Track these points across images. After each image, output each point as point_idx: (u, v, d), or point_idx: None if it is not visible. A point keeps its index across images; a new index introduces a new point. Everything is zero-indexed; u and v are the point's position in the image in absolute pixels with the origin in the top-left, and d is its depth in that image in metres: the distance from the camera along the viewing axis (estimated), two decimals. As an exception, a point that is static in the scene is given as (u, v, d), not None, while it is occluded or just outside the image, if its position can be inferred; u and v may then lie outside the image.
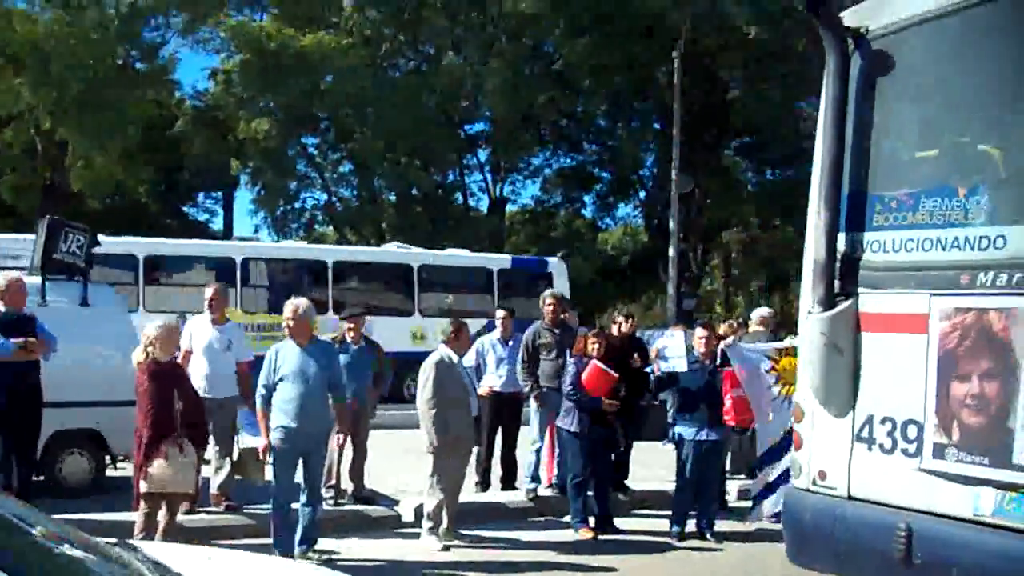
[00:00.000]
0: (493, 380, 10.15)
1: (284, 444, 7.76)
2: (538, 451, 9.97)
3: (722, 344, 8.96)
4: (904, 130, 5.57)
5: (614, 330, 10.26)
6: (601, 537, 8.89)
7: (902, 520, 5.20)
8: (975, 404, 5.00)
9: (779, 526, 8.60)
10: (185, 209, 40.28)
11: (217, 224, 39.00)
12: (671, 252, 29.20)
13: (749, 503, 9.20)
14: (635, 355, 9.78)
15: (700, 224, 34.67)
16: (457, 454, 8.46)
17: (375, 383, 9.77)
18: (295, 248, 22.28)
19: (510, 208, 38.35)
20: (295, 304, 8.02)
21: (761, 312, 11.79)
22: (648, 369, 9.85)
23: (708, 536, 8.96)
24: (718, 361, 8.98)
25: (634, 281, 40.72)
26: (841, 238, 5.61)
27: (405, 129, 27.66)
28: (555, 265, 22.15)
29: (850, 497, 5.60)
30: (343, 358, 8.99)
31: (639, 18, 29.31)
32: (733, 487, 10.78)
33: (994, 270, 4.92)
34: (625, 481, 10.40)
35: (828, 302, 5.58)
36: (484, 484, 10.34)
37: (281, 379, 7.79)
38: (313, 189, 32.36)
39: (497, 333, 10.49)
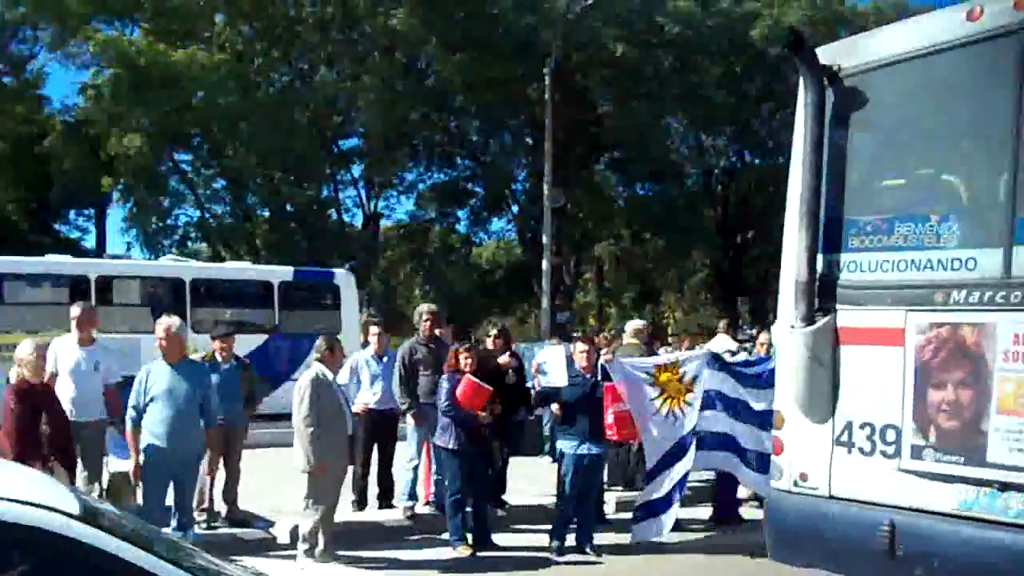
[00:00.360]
0: (368, 397, 10.07)
1: (155, 466, 7.57)
2: (415, 468, 9.88)
3: (603, 359, 9.06)
4: (875, 160, 6.15)
5: (489, 344, 10.31)
6: (480, 554, 8.91)
7: (885, 516, 5.66)
8: (950, 409, 5.50)
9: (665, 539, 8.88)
10: (57, 227, 38.95)
11: (90, 241, 37.86)
12: (544, 266, 29.46)
13: (629, 515, 9.33)
14: (509, 369, 9.84)
15: (573, 238, 35.12)
16: (333, 473, 8.37)
17: (247, 402, 9.59)
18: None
19: (385, 223, 38.22)
20: (168, 323, 7.89)
21: (635, 324, 11.89)
22: (528, 384, 9.89)
23: (588, 550, 8.98)
24: (599, 375, 9.05)
25: (508, 295, 41.06)
26: (820, 259, 6.06)
27: (277, 145, 27.30)
28: (342, 277, 20.85)
29: (831, 496, 6.04)
30: (214, 378, 8.83)
31: (510, 36, 29.61)
32: (611, 499, 10.93)
33: (967, 288, 5.43)
34: (503, 496, 10.44)
35: (809, 318, 6.02)
36: (361, 503, 10.25)
37: (152, 399, 7.64)
38: (186, 206, 31.68)
39: (371, 349, 10.40)
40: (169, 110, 25.86)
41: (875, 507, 5.78)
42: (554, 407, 9.52)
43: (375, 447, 10.17)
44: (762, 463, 9.47)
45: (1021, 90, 5.27)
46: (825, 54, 6.18)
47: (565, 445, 9.01)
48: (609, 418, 8.79)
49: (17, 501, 3.01)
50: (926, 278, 5.64)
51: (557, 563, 8.81)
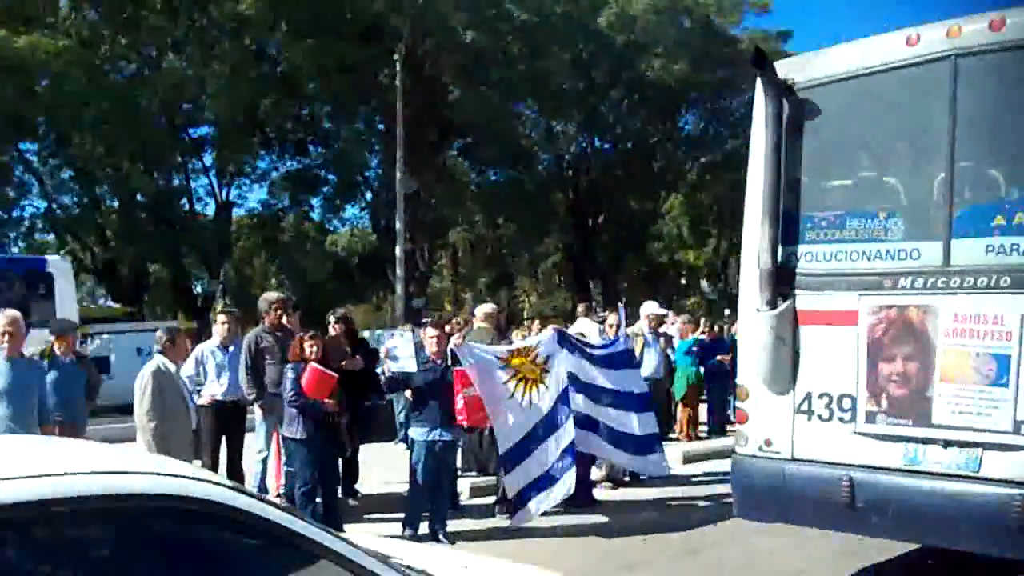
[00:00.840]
0: (215, 388, 9.96)
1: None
2: (264, 460, 9.85)
3: (451, 343, 9.13)
4: (826, 163, 6.95)
5: (331, 332, 10.32)
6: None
7: (844, 473, 6.51)
8: (899, 379, 6.37)
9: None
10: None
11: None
12: (398, 252, 29.52)
13: (484, 501, 9.42)
14: (355, 356, 9.89)
15: (426, 224, 35.20)
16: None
17: (89, 397, 9.40)
18: None
19: (237, 212, 37.55)
20: (12, 315, 7.63)
21: (484, 308, 11.92)
22: (378, 370, 9.91)
23: (441, 537, 8.96)
24: (448, 361, 9.13)
25: (363, 282, 40.87)
26: (780, 251, 6.82)
27: (125, 133, 26.47)
28: (56, 264, 19.82)
29: (794, 459, 6.86)
30: (52, 375, 8.65)
31: (360, 21, 29.43)
32: (466, 485, 11.08)
33: (912, 275, 6.32)
34: (355, 485, 10.49)
35: (772, 303, 6.81)
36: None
37: (-10, 395, 7.40)
38: (32, 196, 30.47)
39: (216, 339, 10.31)
40: (12, 97, 24.73)
41: (835, 466, 6.60)
42: (407, 393, 9.58)
43: (223, 439, 10.03)
44: (625, 442, 9.81)
45: (953, 104, 6.14)
46: (781, 69, 6.91)
47: (416, 432, 9.06)
48: (459, 403, 8.83)
49: (193, 478, 3.17)
50: (876, 267, 6.48)
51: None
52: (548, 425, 8.90)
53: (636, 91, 36.22)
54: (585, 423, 9.33)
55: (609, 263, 41.09)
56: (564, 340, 9.42)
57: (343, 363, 9.77)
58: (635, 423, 9.83)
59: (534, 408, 8.87)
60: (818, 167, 6.90)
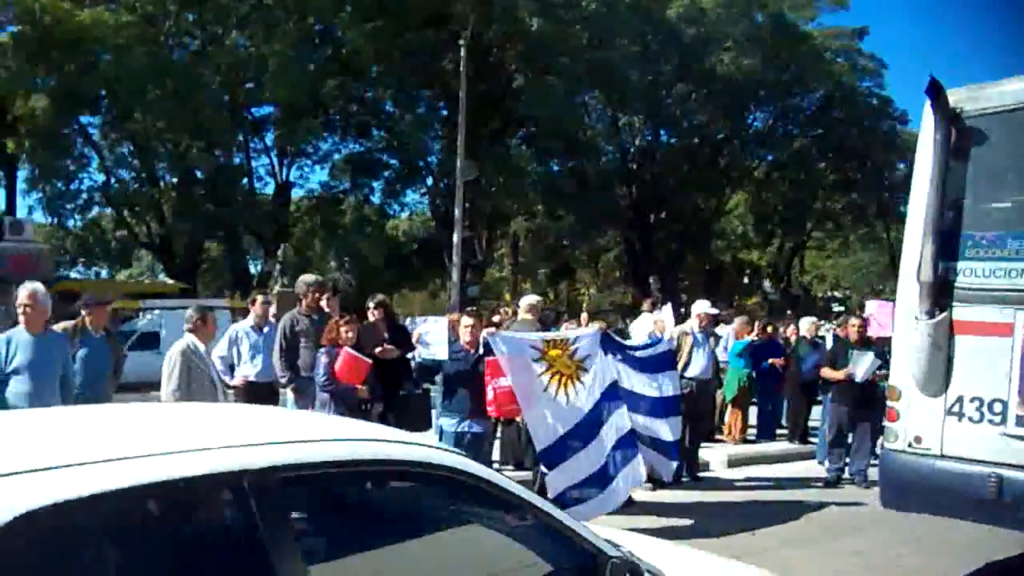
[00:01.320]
0: (247, 369, 9.70)
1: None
2: (295, 444, 9.59)
3: (484, 332, 8.80)
4: (987, 187, 7.33)
5: (371, 317, 10.08)
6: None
7: (991, 471, 6.91)
8: None
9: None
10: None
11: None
12: (455, 239, 29.31)
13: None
14: (393, 343, 9.64)
15: (484, 212, 34.99)
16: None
17: (115, 374, 9.25)
18: None
19: (296, 193, 37.65)
20: (33, 288, 7.47)
21: (528, 299, 11.65)
22: (409, 356, 9.60)
23: None
24: (481, 350, 8.74)
25: (420, 268, 40.82)
26: (941, 266, 7.26)
27: (184, 110, 26.53)
28: None
29: (943, 455, 7.30)
30: (83, 350, 8.50)
31: (424, 6, 29.26)
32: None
33: None
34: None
35: (931, 312, 7.29)
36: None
37: (14, 371, 7.25)
38: (91, 170, 30.67)
39: (251, 320, 10.12)
40: (73, 71, 24.90)
41: (983, 464, 7.02)
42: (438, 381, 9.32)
43: None
44: (658, 446, 9.47)
45: None
46: (952, 97, 7.29)
47: (445, 422, 8.71)
48: (490, 394, 8.36)
49: (431, 447, 3.54)
50: None
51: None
52: (591, 423, 8.55)
53: (704, 85, 35.58)
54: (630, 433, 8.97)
55: (669, 259, 40.51)
56: (608, 344, 9.03)
57: (378, 350, 9.53)
58: (665, 430, 9.45)
59: (571, 407, 8.49)
60: (980, 190, 7.31)
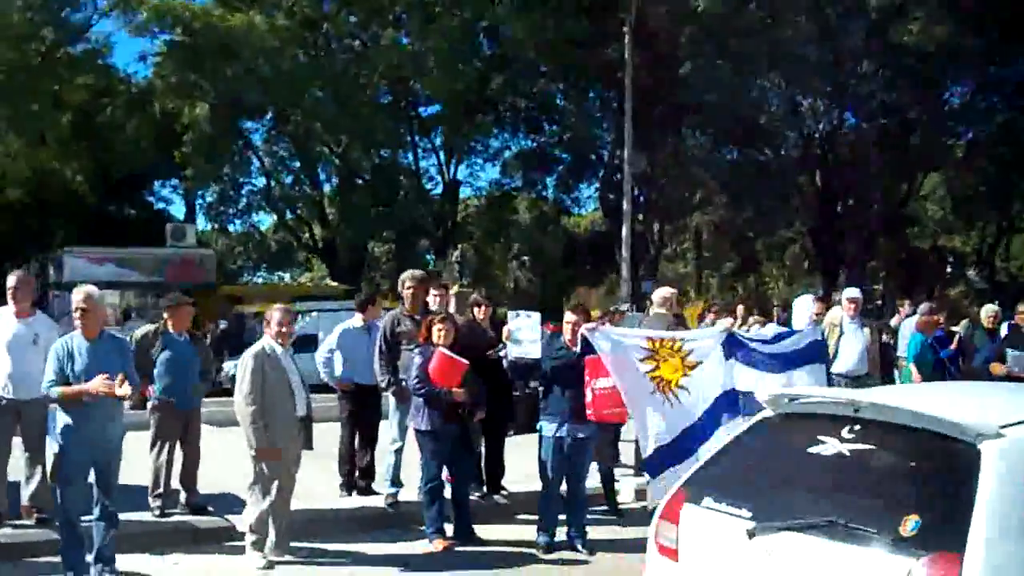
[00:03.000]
0: (352, 371, 9.22)
1: (72, 451, 6.79)
2: (398, 451, 8.88)
3: (583, 328, 7.82)
4: None
5: (478, 315, 9.28)
6: (459, 548, 7.91)
7: None
8: None
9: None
10: (146, 197, 38.62)
11: (178, 212, 37.66)
12: (624, 232, 28.30)
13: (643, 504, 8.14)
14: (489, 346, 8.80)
15: (658, 204, 33.72)
16: (282, 457, 7.46)
17: (203, 378, 8.75)
18: None
19: (465, 192, 37.36)
20: (87, 291, 7.00)
21: (662, 292, 10.63)
22: (501, 353, 8.72)
23: (579, 547, 7.90)
24: (579, 347, 7.80)
25: (594, 264, 39.88)
26: None
27: (343, 111, 26.49)
28: None
29: None
30: (165, 353, 8.05)
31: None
32: (628, 487, 9.81)
33: None
34: (502, 481, 9.40)
35: None
36: (348, 488, 9.36)
37: (70, 379, 6.81)
38: (252, 174, 31.12)
39: (358, 320, 9.53)
40: (230, 77, 25.22)
41: None
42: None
43: (357, 424, 9.37)
44: None
45: None
46: None
47: (544, 426, 7.95)
48: (588, 396, 7.58)
49: None
50: None
51: (541, 561, 7.78)
52: (704, 428, 7.42)
53: (892, 60, 33.03)
54: None
55: (859, 249, 37.92)
56: (733, 346, 7.83)
57: (489, 352, 8.71)
58: None
59: (680, 410, 7.42)
60: None
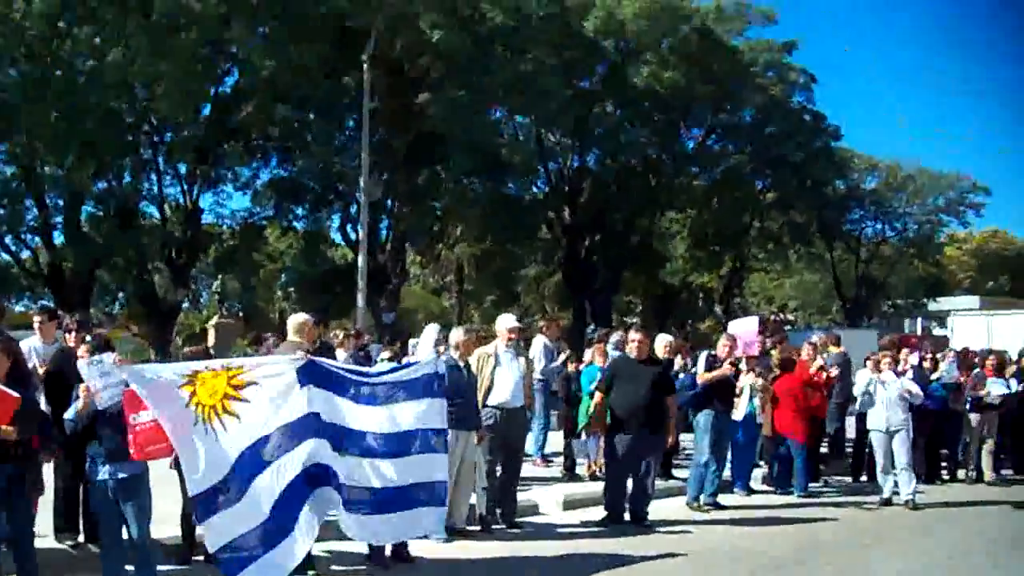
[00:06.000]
0: None
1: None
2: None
3: (84, 359, 7.32)
4: None
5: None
6: None
7: None
8: None
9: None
10: None
11: None
12: (360, 263, 28.06)
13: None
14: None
15: (403, 236, 33.69)
16: None
17: None
18: None
19: (208, 219, 35.99)
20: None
21: (296, 319, 10.28)
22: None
23: None
24: None
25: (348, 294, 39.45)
26: None
27: (71, 131, 25.28)
28: None
29: None
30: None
31: (326, 21, 28.08)
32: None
33: None
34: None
35: None
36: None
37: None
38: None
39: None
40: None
41: None
42: None
43: None
44: (372, 503, 7.89)
45: None
46: None
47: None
48: (130, 434, 6.91)
49: None
50: None
51: None
52: (251, 463, 7.05)
53: (629, 102, 34.27)
54: (317, 475, 7.38)
55: (606, 283, 38.95)
56: (315, 373, 7.51)
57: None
58: (411, 471, 7.94)
59: (228, 439, 7.02)
60: None
